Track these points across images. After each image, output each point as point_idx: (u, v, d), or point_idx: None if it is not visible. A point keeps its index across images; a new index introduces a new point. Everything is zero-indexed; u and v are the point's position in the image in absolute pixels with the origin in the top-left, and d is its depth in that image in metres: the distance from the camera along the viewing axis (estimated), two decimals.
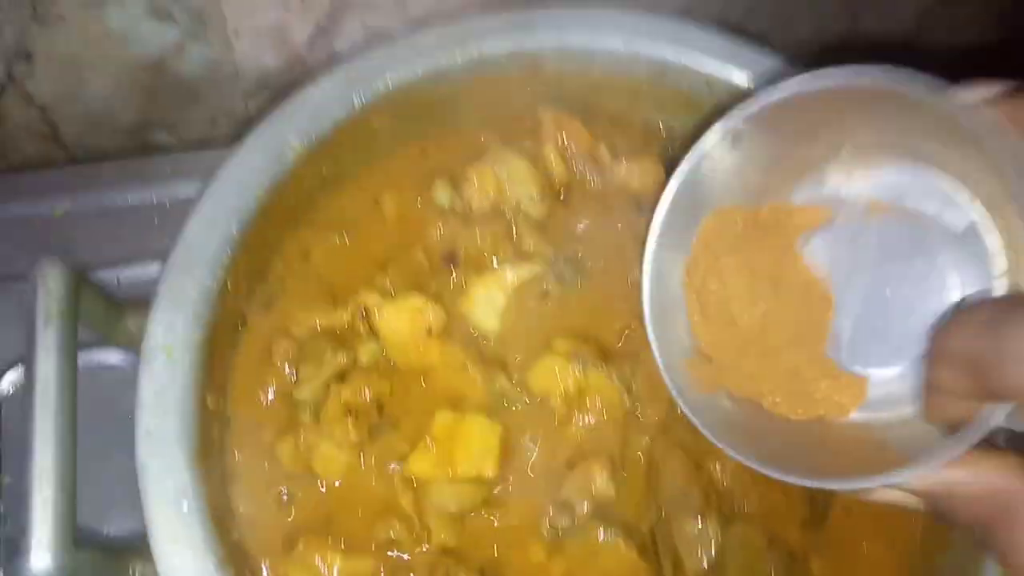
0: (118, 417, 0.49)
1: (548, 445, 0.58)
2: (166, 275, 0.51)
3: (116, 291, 0.69)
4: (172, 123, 0.83)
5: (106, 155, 0.85)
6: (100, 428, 0.54)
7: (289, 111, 0.56)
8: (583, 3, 0.74)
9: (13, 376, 0.63)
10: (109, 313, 0.50)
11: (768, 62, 0.62)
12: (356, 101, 0.58)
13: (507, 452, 0.57)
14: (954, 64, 0.41)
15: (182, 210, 0.72)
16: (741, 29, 0.66)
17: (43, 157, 0.83)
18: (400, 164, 0.65)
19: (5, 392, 0.63)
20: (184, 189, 0.74)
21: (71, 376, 0.44)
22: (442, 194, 0.64)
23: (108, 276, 0.69)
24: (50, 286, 0.44)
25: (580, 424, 0.59)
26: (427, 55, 0.60)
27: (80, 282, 0.46)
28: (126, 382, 0.50)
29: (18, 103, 0.76)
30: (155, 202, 0.73)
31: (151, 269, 0.70)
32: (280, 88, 0.82)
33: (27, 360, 0.44)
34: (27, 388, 0.43)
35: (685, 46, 0.63)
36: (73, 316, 0.45)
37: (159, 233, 0.71)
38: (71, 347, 0.44)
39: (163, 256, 0.70)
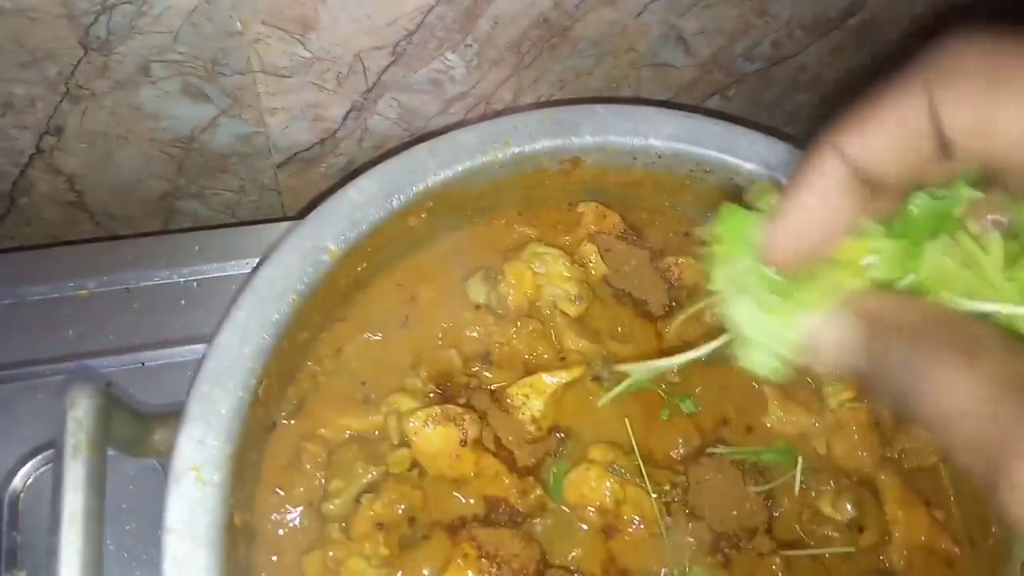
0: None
1: (583, 559, 0.56)
2: (196, 389, 0.49)
3: (140, 375, 0.68)
4: (200, 192, 0.82)
5: (132, 221, 0.84)
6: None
7: (327, 214, 0.55)
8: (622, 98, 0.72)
9: (30, 468, 0.62)
10: (137, 431, 0.49)
11: None
12: (395, 203, 0.57)
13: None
14: None
15: (209, 289, 0.72)
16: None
17: (68, 224, 0.82)
18: (434, 259, 0.63)
19: (21, 487, 0.61)
20: (210, 268, 0.72)
21: (98, 507, 0.43)
22: (477, 290, 0.63)
23: (132, 360, 0.68)
24: (79, 416, 0.42)
25: (617, 539, 0.57)
26: (467, 155, 0.58)
27: (110, 406, 0.45)
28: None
29: (45, 173, 0.75)
30: (182, 282, 0.71)
31: (177, 352, 0.69)
32: (309, 160, 0.81)
33: (55, 491, 0.42)
34: (54, 522, 0.41)
35: (728, 146, 0.61)
36: (102, 447, 0.43)
37: (186, 314, 0.70)
38: (99, 479, 0.43)
39: (189, 339, 0.69)
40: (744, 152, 0.61)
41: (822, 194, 0.31)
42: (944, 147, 0.30)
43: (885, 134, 0.30)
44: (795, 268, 0.33)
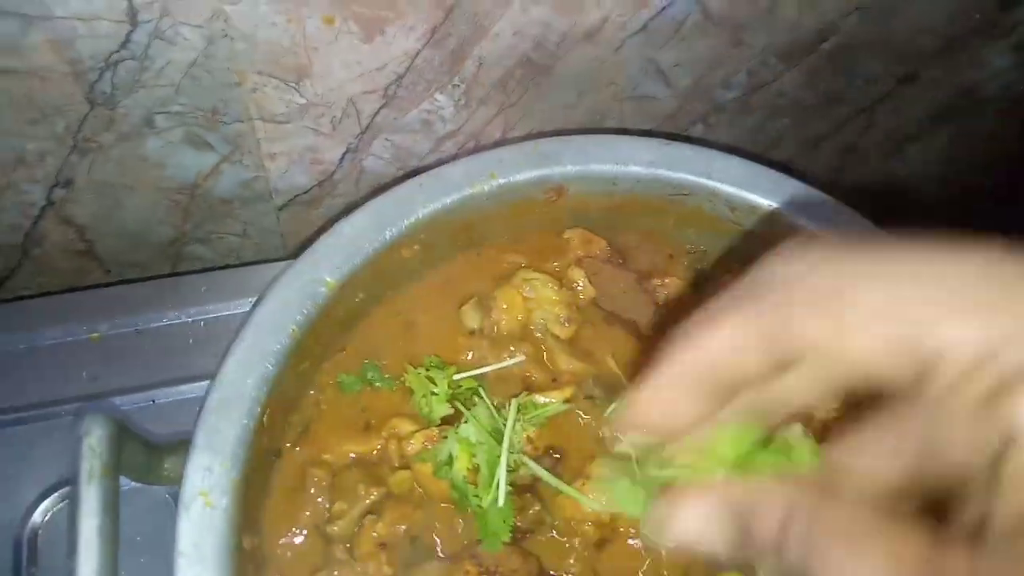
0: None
1: (582, 571, 0.58)
2: (203, 419, 0.52)
3: (151, 412, 0.70)
4: (206, 237, 0.85)
5: (141, 268, 0.87)
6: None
7: (323, 249, 0.58)
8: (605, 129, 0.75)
9: (48, 505, 0.64)
10: (149, 459, 0.51)
11: (789, 186, 0.63)
12: (388, 235, 0.59)
13: None
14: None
15: (216, 328, 0.75)
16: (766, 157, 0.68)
17: (79, 273, 0.85)
18: (429, 288, 0.66)
19: (40, 521, 0.64)
20: (216, 308, 0.75)
21: (113, 530, 0.45)
22: (471, 317, 0.65)
23: (143, 399, 0.71)
24: (93, 444, 0.45)
25: (616, 551, 0.59)
26: (455, 188, 0.62)
27: (122, 436, 0.47)
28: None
29: (56, 224, 0.79)
30: (190, 321, 0.74)
31: (186, 389, 0.71)
32: (309, 202, 0.84)
33: (71, 517, 0.44)
34: (71, 546, 0.44)
35: (704, 170, 0.64)
36: (115, 474, 0.46)
37: (194, 353, 0.73)
38: (113, 503, 0.45)
39: (197, 376, 0.72)
40: (719, 175, 0.64)
41: (673, 384, 0.32)
42: (792, 354, 0.30)
43: (734, 333, 0.31)
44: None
